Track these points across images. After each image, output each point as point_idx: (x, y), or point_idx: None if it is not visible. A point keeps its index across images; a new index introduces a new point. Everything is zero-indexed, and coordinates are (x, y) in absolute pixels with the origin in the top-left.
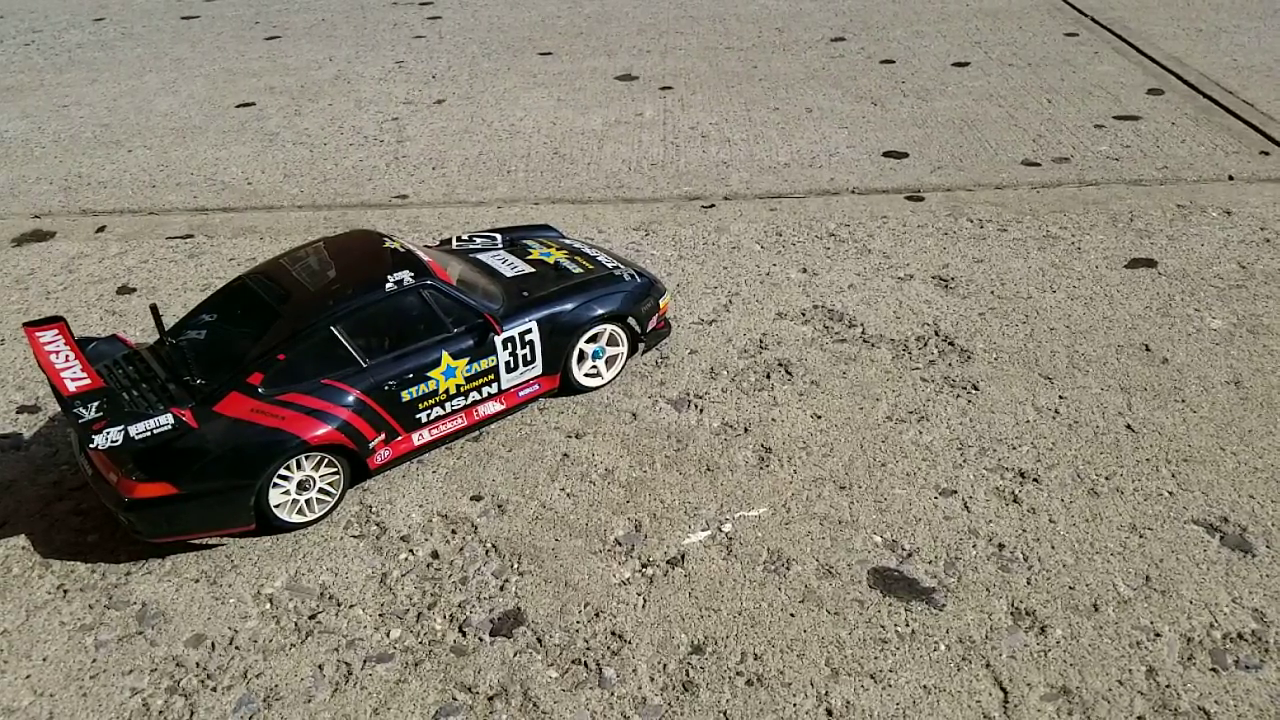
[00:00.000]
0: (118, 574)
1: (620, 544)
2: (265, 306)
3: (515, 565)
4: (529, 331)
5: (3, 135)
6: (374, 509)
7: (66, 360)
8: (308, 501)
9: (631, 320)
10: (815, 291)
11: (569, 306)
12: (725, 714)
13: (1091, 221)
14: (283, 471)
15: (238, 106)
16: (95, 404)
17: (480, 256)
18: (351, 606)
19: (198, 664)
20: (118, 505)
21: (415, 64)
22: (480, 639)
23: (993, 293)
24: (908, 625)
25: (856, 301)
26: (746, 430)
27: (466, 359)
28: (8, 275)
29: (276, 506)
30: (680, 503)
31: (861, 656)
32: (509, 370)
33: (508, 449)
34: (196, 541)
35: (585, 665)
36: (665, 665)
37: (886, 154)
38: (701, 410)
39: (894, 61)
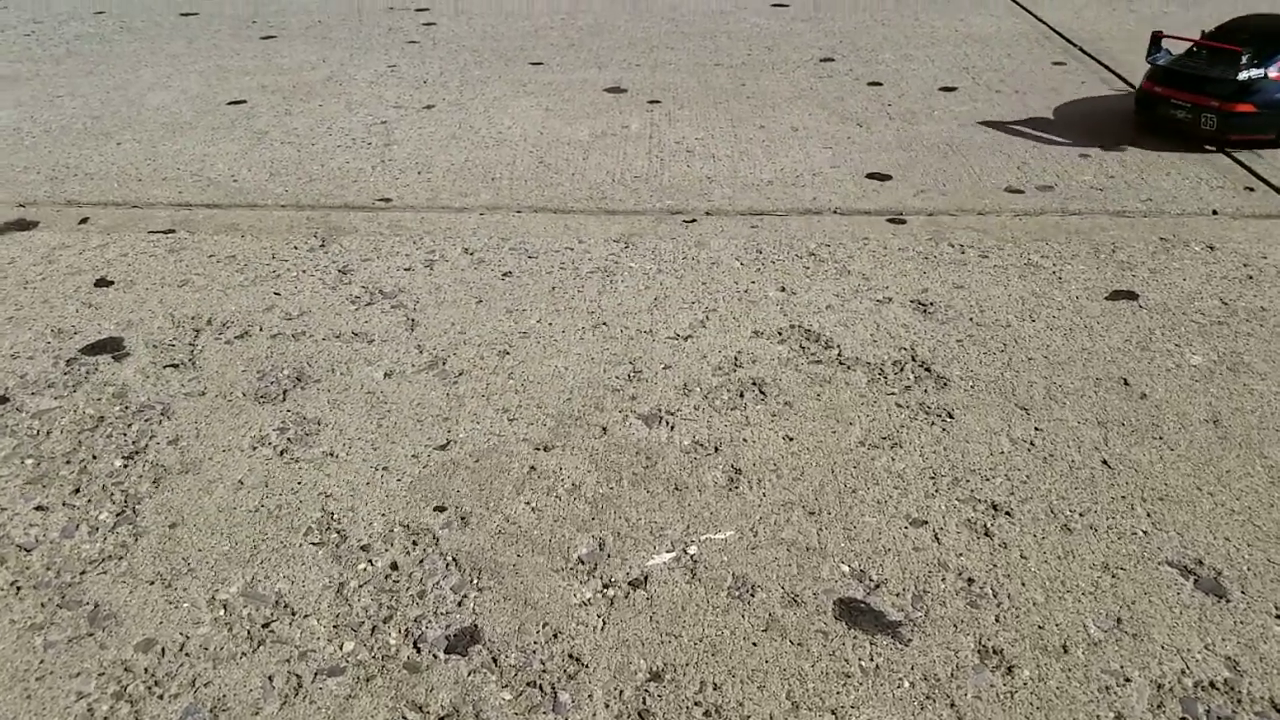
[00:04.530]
0: (73, 573)
1: (583, 562)
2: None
3: (475, 580)
4: None
5: None
6: (335, 515)
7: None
8: None
9: None
10: (793, 311)
11: None
12: None
13: (1073, 251)
14: None
15: (229, 104)
16: (1247, 56)
17: None
18: (306, 616)
19: (146, 670)
20: (1219, 114)
21: (408, 69)
22: (435, 656)
23: (971, 319)
24: (872, 660)
25: (834, 323)
26: (717, 450)
27: None
28: None
29: None
30: (646, 522)
31: (823, 690)
32: None
33: (474, 459)
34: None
35: (540, 689)
36: (622, 692)
37: (870, 175)
38: (673, 428)
39: (882, 84)
